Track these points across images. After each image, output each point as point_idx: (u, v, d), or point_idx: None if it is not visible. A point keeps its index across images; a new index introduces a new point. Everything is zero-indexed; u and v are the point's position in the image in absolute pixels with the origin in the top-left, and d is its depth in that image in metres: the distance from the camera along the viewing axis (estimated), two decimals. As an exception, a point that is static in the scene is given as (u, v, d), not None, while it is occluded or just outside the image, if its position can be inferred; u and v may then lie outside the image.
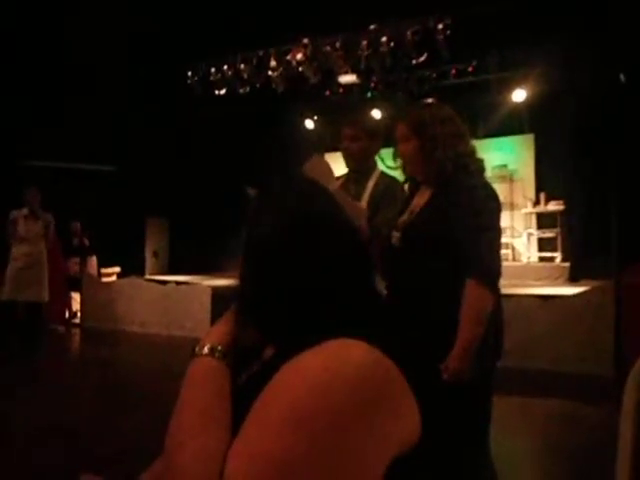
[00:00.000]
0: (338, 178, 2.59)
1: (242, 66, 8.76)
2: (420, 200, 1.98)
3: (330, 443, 0.61)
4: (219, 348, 0.81)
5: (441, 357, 1.73)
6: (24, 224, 6.01)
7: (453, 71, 8.71)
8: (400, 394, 0.69)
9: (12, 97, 8.27)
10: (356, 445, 0.62)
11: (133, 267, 9.94)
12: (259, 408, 0.66)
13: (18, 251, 6.00)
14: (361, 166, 2.53)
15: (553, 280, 8.13)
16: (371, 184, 2.48)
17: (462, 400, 1.69)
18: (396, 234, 1.97)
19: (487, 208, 1.81)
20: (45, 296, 6.14)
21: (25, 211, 6.04)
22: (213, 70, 8.99)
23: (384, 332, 0.75)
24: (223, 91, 9.08)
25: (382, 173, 2.55)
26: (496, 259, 1.80)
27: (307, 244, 0.78)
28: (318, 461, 0.60)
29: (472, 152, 1.94)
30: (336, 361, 0.66)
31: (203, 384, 0.77)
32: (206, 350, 0.81)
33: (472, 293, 1.73)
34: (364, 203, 2.42)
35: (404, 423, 0.69)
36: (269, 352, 0.86)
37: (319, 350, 0.68)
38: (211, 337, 0.83)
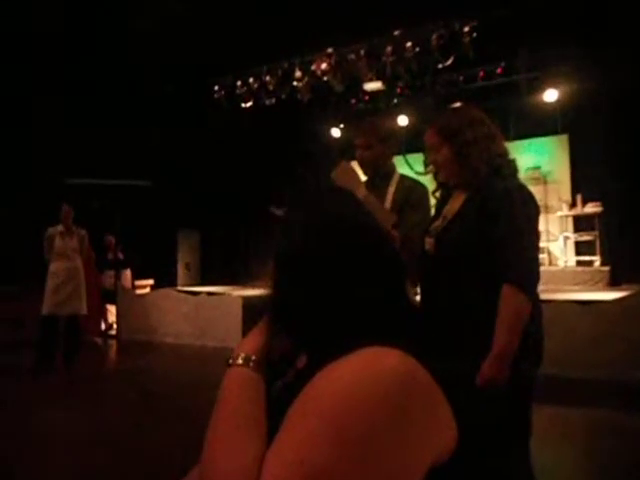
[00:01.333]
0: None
1: (267, 78, 8.84)
2: (454, 205, 1.93)
3: (366, 452, 0.60)
4: (253, 358, 0.81)
5: (477, 364, 1.68)
6: (60, 240, 6.20)
7: (481, 73, 8.61)
8: (436, 403, 0.69)
9: (47, 116, 8.51)
10: (392, 454, 0.61)
11: (166, 279, 10.10)
12: (293, 417, 0.66)
13: (56, 267, 6.17)
14: (378, 172, 2.55)
15: (592, 285, 7.91)
16: (392, 189, 2.48)
17: (499, 409, 1.65)
18: (429, 240, 1.94)
19: (524, 212, 1.76)
20: (84, 309, 6.30)
21: (60, 227, 6.23)
22: (239, 83, 9.09)
23: (418, 340, 0.75)
24: (250, 104, 9.16)
25: (402, 176, 2.54)
26: (534, 264, 1.75)
27: (340, 253, 0.79)
28: (353, 471, 0.60)
29: (505, 154, 1.89)
30: (370, 369, 0.66)
31: (238, 394, 0.78)
32: (240, 360, 0.81)
33: (509, 299, 1.67)
34: (387, 206, 2.39)
35: (440, 432, 0.68)
36: (302, 361, 0.86)
37: (353, 358, 0.68)
38: (245, 347, 0.84)
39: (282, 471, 0.61)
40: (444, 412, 0.69)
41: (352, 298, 0.77)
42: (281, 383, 0.84)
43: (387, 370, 0.66)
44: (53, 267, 6.16)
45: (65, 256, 6.19)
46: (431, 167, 2.02)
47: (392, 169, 2.56)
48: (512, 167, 1.88)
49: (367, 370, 0.66)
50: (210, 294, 8.16)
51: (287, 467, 0.61)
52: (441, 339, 0.84)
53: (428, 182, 2.21)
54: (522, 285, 1.68)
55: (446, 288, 1.85)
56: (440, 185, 2.08)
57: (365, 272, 0.79)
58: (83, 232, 6.41)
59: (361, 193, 1.98)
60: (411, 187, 2.47)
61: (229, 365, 0.82)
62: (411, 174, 2.61)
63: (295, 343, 0.85)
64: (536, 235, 1.80)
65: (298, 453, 0.61)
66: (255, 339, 0.85)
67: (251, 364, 0.80)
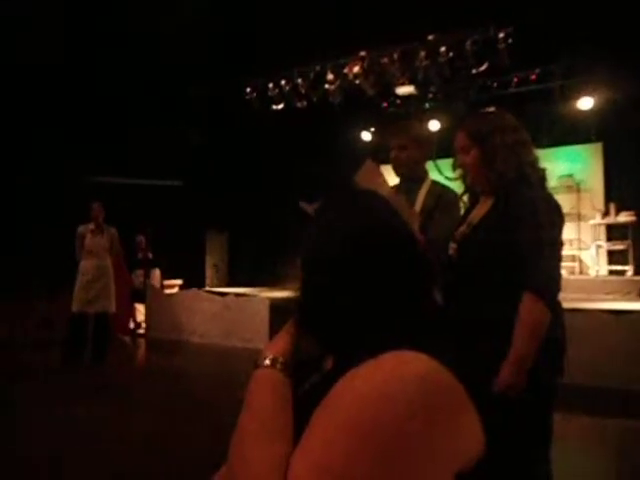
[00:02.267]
0: (391, 187, 2.57)
1: (299, 80, 8.87)
2: (480, 211, 1.93)
3: (392, 456, 0.60)
4: (280, 359, 0.82)
5: (495, 371, 1.68)
6: (91, 238, 6.24)
7: (515, 79, 8.51)
8: (462, 407, 0.68)
9: (79, 115, 8.68)
10: (418, 460, 0.61)
11: (194, 280, 10.19)
12: (319, 419, 0.66)
13: (86, 265, 6.22)
14: (410, 175, 2.53)
15: (624, 294, 7.74)
16: (423, 192, 2.46)
17: (515, 416, 1.65)
18: (453, 245, 1.94)
19: (548, 221, 1.74)
20: (112, 307, 6.35)
21: (91, 226, 6.27)
22: (271, 85, 9.14)
23: (443, 344, 0.74)
24: (281, 106, 9.21)
25: (433, 182, 2.52)
26: (556, 274, 1.74)
27: (368, 256, 0.78)
28: (380, 475, 0.59)
29: (534, 161, 1.87)
30: (396, 373, 0.66)
31: (265, 395, 0.78)
32: (268, 362, 0.82)
33: (528, 307, 1.67)
34: (416, 210, 2.38)
35: (467, 439, 0.68)
36: (329, 363, 0.86)
37: (379, 362, 0.67)
38: (272, 349, 0.84)
39: (308, 473, 0.61)
40: (471, 418, 0.69)
41: (380, 301, 0.77)
42: (308, 385, 0.84)
43: (413, 374, 0.65)
44: (83, 265, 6.21)
45: (95, 254, 6.23)
46: (459, 170, 2.01)
47: (424, 174, 2.54)
48: (541, 176, 1.86)
49: (392, 374, 0.65)
50: (238, 295, 8.21)
51: (313, 470, 0.61)
52: (462, 345, 0.83)
53: (457, 188, 2.20)
54: (542, 294, 1.68)
55: (467, 294, 1.85)
56: (468, 189, 2.07)
57: (393, 275, 0.79)
58: (113, 230, 6.45)
59: (386, 192, 1.97)
60: (442, 193, 2.45)
61: (257, 367, 0.82)
62: (441, 179, 2.59)
63: (322, 345, 0.85)
64: (560, 245, 1.79)
65: (323, 456, 0.61)
66: (283, 341, 0.85)
67: (278, 366, 0.81)
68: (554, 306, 1.71)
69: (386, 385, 0.64)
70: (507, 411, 1.60)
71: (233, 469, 0.71)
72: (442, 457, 0.64)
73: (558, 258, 1.77)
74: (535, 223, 1.72)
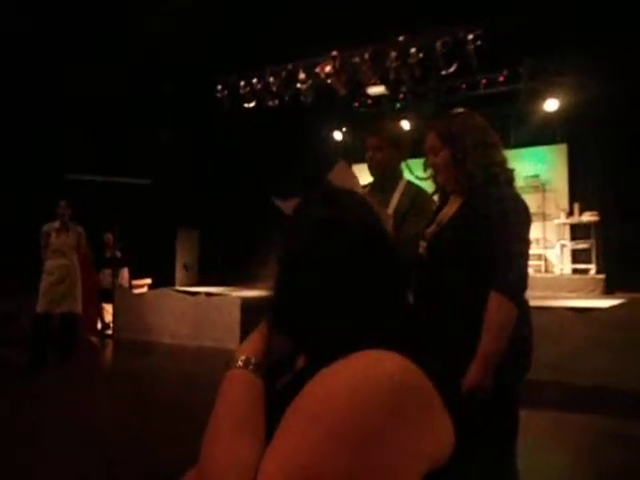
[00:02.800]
0: (364, 187, 2.59)
1: (271, 79, 8.86)
2: (449, 210, 1.95)
3: (362, 454, 0.60)
4: (253, 360, 0.81)
5: (464, 370, 1.70)
6: (56, 237, 6.09)
7: (484, 81, 8.64)
8: (432, 406, 0.68)
9: (47, 112, 8.50)
10: (388, 457, 0.61)
11: (164, 279, 10.07)
12: (290, 418, 0.66)
13: (51, 264, 6.08)
14: (385, 175, 2.53)
15: (588, 292, 7.95)
16: (397, 194, 2.46)
17: (483, 414, 1.66)
18: (423, 244, 1.96)
19: (516, 220, 1.77)
20: (79, 308, 6.21)
21: (57, 224, 6.12)
22: (242, 83, 9.10)
23: (416, 344, 0.74)
24: (252, 104, 9.18)
25: (408, 183, 2.53)
26: (522, 272, 1.75)
27: (341, 255, 0.78)
28: (350, 473, 0.59)
29: (503, 162, 1.90)
30: (367, 371, 0.66)
31: (237, 396, 0.78)
32: (240, 363, 0.81)
33: (495, 306, 1.69)
34: (391, 210, 2.40)
35: (437, 437, 0.67)
36: (301, 363, 0.86)
37: (350, 360, 0.67)
38: (244, 350, 0.84)
39: (278, 472, 0.61)
40: (441, 417, 0.68)
41: (353, 300, 0.77)
42: (280, 385, 0.84)
43: (384, 373, 0.65)
44: (48, 264, 6.05)
45: (60, 253, 6.08)
46: (430, 170, 2.03)
47: (399, 175, 2.55)
48: (509, 176, 1.89)
49: (364, 373, 0.65)
50: (208, 294, 8.14)
51: (283, 468, 0.61)
52: (431, 344, 0.84)
53: (428, 187, 2.22)
54: (509, 292, 1.69)
55: (436, 293, 1.87)
56: (438, 189, 2.10)
57: (368, 274, 0.78)
58: (80, 229, 6.29)
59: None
60: (416, 194, 2.46)
61: (228, 367, 0.82)
62: (412, 179, 2.61)
63: (294, 345, 0.85)
64: (526, 244, 1.81)
65: (294, 455, 0.61)
66: (255, 342, 0.85)
67: (251, 367, 0.80)
68: (521, 304, 1.74)
69: (357, 383, 0.64)
70: (474, 410, 1.61)
71: (203, 469, 0.71)
72: (412, 455, 0.63)
73: (525, 257, 1.79)
74: (503, 222, 1.74)
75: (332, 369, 0.67)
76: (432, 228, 1.97)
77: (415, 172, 2.43)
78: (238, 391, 0.78)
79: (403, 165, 2.61)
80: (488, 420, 1.69)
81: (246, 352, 0.83)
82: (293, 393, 0.68)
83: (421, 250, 1.96)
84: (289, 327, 0.83)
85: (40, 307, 5.95)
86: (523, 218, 1.81)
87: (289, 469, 0.60)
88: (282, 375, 0.86)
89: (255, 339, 0.86)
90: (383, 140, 2.49)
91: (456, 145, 1.88)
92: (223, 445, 0.71)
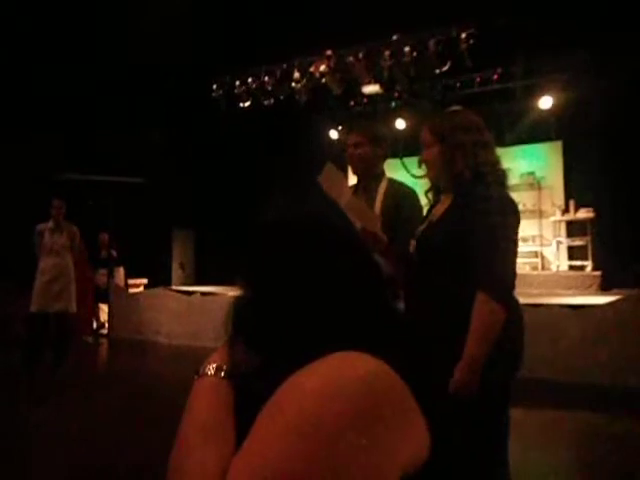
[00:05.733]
0: (350, 187, 2.59)
1: (266, 78, 8.85)
2: (439, 209, 1.95)
3: (332, 457, 0.59)
4: (224, 367, 0.80)
5: (450, 371, 1.68)
6: (50, 237, 6.06)
7: (478, 79, 8.66)
8: (406, 408, 0.67)
9: (41, 112, 8.47)
10: (360, 459, 0.60)
11: (160, 278, 10.05)
12: (260, 423, 0.64)
13: (45, 264, 6.04)
14: (366, 172, 2.53)
15: (584, 289, 7.97)
16: (381, 191, 2.46)
17: (471, 415, 1.65)
18: (413, 242, 1.96)
19: (501, 221, 1.74)
20: (73, 307, 6.18)
21: (51, 224, 6.09)
22: (237, 83, 9.09)
23: (391, 345, 0.72)
24: (248, 103, 9.17)
25: (390, 180, 2.53)
26: (508, 273, 1.73)
27: (311, 258, 0.78)
28: (320, 476, 0.58)
29: (493, 162, 1.87)
30: (338, 373, 0.65)
31: (204, 404, 0.77)
32: (211, 371, 0.80)
33: (481, 307, 1.67)
34: (377, 210, 2.39)
35: (411, 438, 0.66)
36: (273, 367, 0.84)
37: (321, 362, 0.66)
38: (215, 358, 0.83)
39: (247, 475, 0.59)
40: (415, 417, 0.67)
41: (319, 303, 0.76)
42: (251, 391, 0.80)
43: (356, 374, 0.64)
44: (42, 264, 6.02)
45: (55, 253, 6.04)
46: (424, 166, 2.03)
47: (381, 172, 2.55)
48: (497, 176, 1.85)
49: (334, 374, 0.64)
50: (204, 294, 8.13)
51: (252, 472, 0.59)
52: (419, 344, 0.83)
53: (424, 185, 2.21)
54: (494, 293, 1.67)
55: (424, 292, 1.86)
56: (433, 186, 2.08)
57: (337, 277, 0.77)
58: (74, 228, 6.25)
59: (346, 195, 1.98)
60: (400, 191, 2.47)
61: (199, 375, 0.81)
62: (408, 177, 2.61)
63: (267, 349, 0.81)
64: (513, 244, 1.78)
65: (263, 458, 0.60)
66: (226, 350, 0.84)
67: (222, 374, 0.79)
68: (508, 305, 1.71)
69: (327, 384, 0.63)
70: (463, 412, 1.60)
71: (171, 477, 0.70)
72: (385, 456, 0.62)
73: (511, 258, 1.76)
74: (487, 223, 1.72)
75: (302, 372, 0.66)
76: (422, 227, 1.97)
77: (411, 170, 2.43)
78: (206, 399, 0.77)
79: (399, 163, 2.61)
80: (479, 420, 1.68)
81: (217, 360, 0.82)
82: (264, 398, 0.67)
83: (412, 249, 1.96)
84: (258, 331, 0.80)
85: (34, 306, 5.92)
86: (508, 219, 1.77)
87: (257, 471, 0.59)
88: (255, 382, 0.83)
89: (226, 347, 0.85)
90: (363, 137, 2.50)
91: (446, 142, 1.87)
92: (189, 451, 0.70)
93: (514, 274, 1.76)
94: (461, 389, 1.65)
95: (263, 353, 0.79)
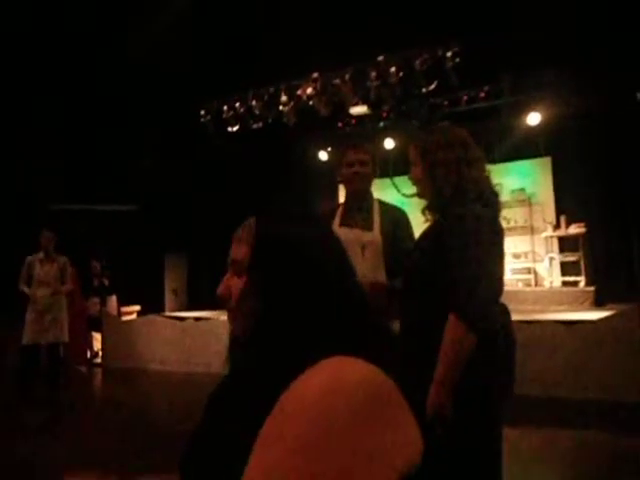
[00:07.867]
0: (338, 205, 2.57)
1: (254, 102, 8.91)
2: (425, 229, 1.93)
3: (330, 459, 0.59)
4: None
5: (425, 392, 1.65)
6: (41, 268, 6.08)
7: (465, 97, 8.74)
8: (402, 411, 0.68)
9: (30, 142, 8.47)
10: (358, 460, 0.60)
11: (153, 305, 9.98)
12: (263, 439, 0.64)
13: (37, 295, 6.05)
14: (364, 192, 2.50)
15: (578, 305, 7.96)
16: (376, 214, 2.44)
17: (461, 435, 1.62)
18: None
19: (474, 240, 1.68)
20: (65, 337, 6.17)
21: (41, 255, 6.12)
22: (225, 108, 9.15)
23: (381, 353, 0.74)
24: (236, 128, 9.22)
25: (379, 202, 2.51)
26: (483, 296, 1.66)
27: (304, 275, 0.80)
28: (324, 478, 0.59)
29: (477, 179, 1.82)
30: (335, 375, 0.66)
31: None
32: None
33: (449, 330, 1.64)
34: (377, 233, 2.37)
35: (408, 443, 0.66)
36: (268, 375, 0.84)
37: (318, 367, 0.68)
38: None
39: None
40: (410, 420, 0.68)
41: (308, 313, 0.78)
42: (249, 391, 0.83)
43: (352, 378, 0.65)
44: (34, 295, 6.03)
45: (46, 284, 6.07)
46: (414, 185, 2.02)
47: (371, 193, 2.54)
48: (483, 192, 1.79)
49: (331, 377, 0.66)
50: (197, 319, 8.07)
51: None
52: (402, 363, 0.84)
53: (415, 205, 2.19)
54: (463, 317, 1.62)
55: (408, 313, 1.85)
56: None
57: (325, 292, 0.80)
58: (64, 259, 6.26)
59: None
60: (393, 212, 2.47)
61: None
62: (398, 196, 2.60)
63: (261, 359, 0.84)
64: (493, 262, 1.73)
65: (272, 465, 0.60)
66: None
67: None
68: (480, 326, 1.64)
69: (325, 392, 0.63)
70: (452, 434, 1.58)
71: None
72: (383, 459, 0.62)
73: (487, 279, 1.68)
74: (458, 242, 1.68)
75: (298, 383, 0.67)
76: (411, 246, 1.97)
77: (401, 190, 2.41)
78: None
79: (389, 183, 2.61)
80: (468, 439, 1.65)
81: None
82: (263, 398, 0.68)
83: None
84: (255, 343, 0.85)
85: (26, 338, 5.90)
86: (486, 238, 1.72)
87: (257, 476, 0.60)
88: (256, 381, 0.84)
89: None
90: (370, 155, 2.47)
91: (428, 159, 1.85)
92: None
93: (494, 293, 1.73)
94: (434, 409, 1.62)
95: (260, 357, 0.83)
